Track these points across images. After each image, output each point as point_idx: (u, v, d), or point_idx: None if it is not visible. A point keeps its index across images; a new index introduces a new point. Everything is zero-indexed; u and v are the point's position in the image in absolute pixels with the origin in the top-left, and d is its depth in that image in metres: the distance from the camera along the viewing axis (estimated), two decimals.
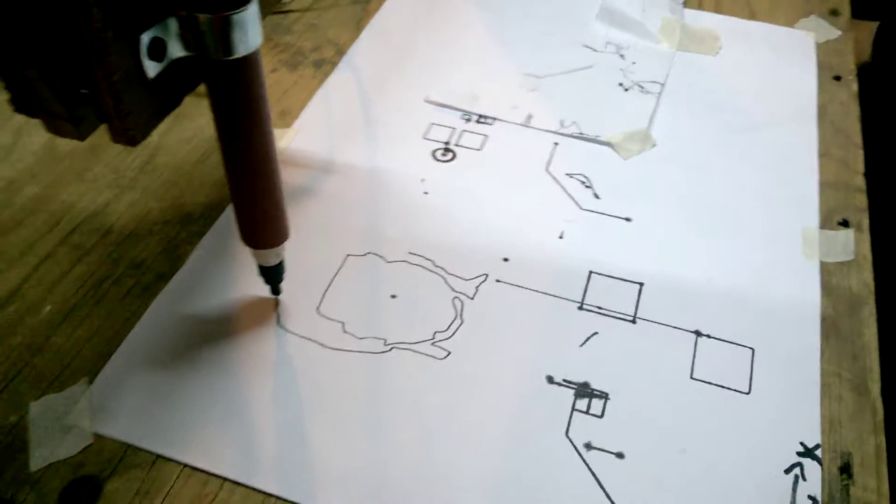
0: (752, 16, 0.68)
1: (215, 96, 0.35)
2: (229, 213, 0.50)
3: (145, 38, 0.31)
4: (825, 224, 0.50)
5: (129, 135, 0.33)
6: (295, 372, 0.42)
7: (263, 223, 0.40)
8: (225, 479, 0.37)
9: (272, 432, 0.39)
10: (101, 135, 0.57)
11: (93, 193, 0.52)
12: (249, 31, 0.32)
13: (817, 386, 0.41)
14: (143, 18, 0.31)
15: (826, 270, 0.47)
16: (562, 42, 0.65)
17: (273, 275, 0.43)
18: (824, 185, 0.53)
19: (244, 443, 0.39)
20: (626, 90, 0.60)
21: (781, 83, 0.61)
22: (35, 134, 0.56)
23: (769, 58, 0.63)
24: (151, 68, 0.32)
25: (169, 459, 0.38)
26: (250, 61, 0.33)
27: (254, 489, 0.37)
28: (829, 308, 0.45)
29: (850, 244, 0.49)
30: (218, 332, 0.43)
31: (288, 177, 0.52)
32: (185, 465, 0.38)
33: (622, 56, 0.63)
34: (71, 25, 0.29)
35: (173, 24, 0.32)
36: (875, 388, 0.42)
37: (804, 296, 0.46)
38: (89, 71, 0.30)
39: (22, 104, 0.32)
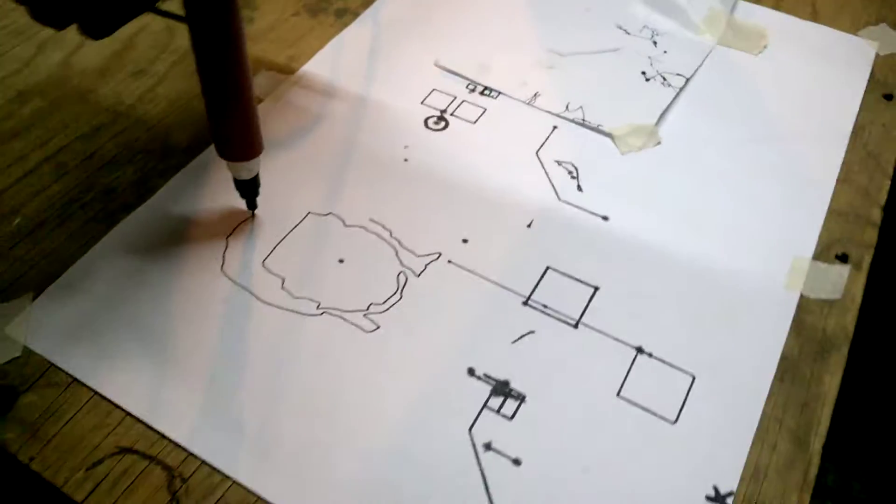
0: (814, 16, 0.62)
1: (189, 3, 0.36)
2: (207, 156, 0.50)
3: None
4: (820, 255, 0.46)
5: (93, 29, 0.35)
6: (223, 320, 0.42)
7: (236, 135, 0.41)
8: (127, 414, 0.38)
9: (182, 375, 0.40)
10: (113, 58, 0.58)
11: (89, 115, 0.53)
12: None
13: (752, 429, 0.38)
14: None
15: (804, 306, 0.43)
16: (595, 20, 0.61)
17: (247, 189, 0.45)
18: (833, 212, 0.48)
19: (154, 382, 0.39)
20: (648, 80, 0.56)
21: (822, 94, 0.55)
22: (56, 50, 0.58)
23: (816, 65, 0.58)
24: None
25: (83, 384, 0.39)
26: None
27: (151, 428, 0.38)
28: (795, 348, 0.42)
29: (841, 282, 0.44)
30: (163, 269, 0.44)
31: (272, 124, 0.52)
32: (96, 393, 0.39)
33: (655, 43, 0.59)
34: None
35: None
36: (817, 442, 0.38)
37: (771, 330, 0.42)
38: None
39: None
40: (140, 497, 0.36)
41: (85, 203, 0.48)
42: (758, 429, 0.38)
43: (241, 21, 0.38)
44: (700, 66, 0.57)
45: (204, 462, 0.37)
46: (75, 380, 0.39)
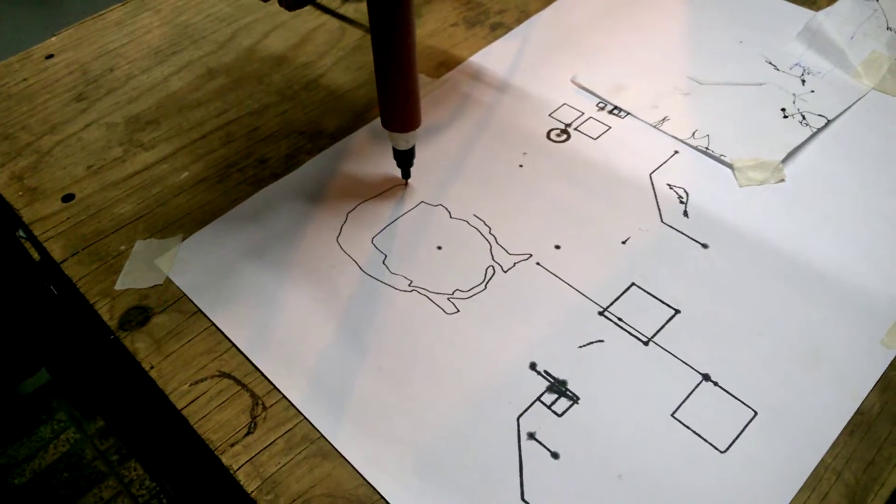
0: None
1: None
2: (347, 143, 0.56)
3: None
4: None
5: (287, 2, 0.43)
6: (329, 283, 0.47)
7: (398, 108, 0.47)
8: (233, 345, 0.45)
9: (284, 322, 0.45)
10: (291, 49, 0.66)
11: (261, 95, 0.61)
12: None
13: (804, 475, 0.37)
14: None
15: None
16: (745, 53, 0.61)
17: (404, 159, 0.51)
18: None
19: (260, 324, 0.45)
20: (786, 117, 0.55)
21: None
22: (247, 37, 0.67)
23: None
24: None
25: (204, 315, 0.46)
26: None
27: (249, 360, 0.44)
28: (876, 404, 0.40)
29: None
30: (290, 233, 0.50)
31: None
32: (213, 324, 0.46)
33: (803, 81, 0.58)
34: None
35: None
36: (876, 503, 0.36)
37: (853, 382, 0.41)
38: None
39: None
40: (227, 415, 0.42)
41: (241, 167, 0.55)
42: (811, 476, 0.37)
43: (413, 15, 0.44)
44: (847, 109, 0.55)
45: (284, 396, 0.42)
46: (199, 310, 0.47)
